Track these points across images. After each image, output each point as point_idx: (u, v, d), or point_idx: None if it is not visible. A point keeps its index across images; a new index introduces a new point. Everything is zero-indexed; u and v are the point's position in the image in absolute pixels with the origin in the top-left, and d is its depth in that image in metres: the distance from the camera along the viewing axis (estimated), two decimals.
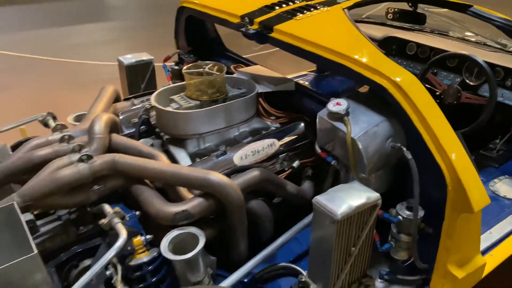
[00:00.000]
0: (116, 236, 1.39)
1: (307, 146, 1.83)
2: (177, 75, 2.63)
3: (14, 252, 1.14)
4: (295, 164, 1.76)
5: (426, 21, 2.51)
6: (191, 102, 1.78)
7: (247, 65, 2.19)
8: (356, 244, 1.30)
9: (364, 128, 1.39)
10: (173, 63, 2.67)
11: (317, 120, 1.52)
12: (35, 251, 1.11)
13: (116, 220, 1.32)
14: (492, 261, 1.64)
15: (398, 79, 1.35)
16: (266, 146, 1.71)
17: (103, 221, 1.32)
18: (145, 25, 6.79)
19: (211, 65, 1.84)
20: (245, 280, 1.49)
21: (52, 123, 1.88)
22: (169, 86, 1.90)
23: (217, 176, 1.41)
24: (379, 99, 1.48)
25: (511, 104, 2.36)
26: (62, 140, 1.58)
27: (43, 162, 1.52)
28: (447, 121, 1.35)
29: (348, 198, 1.24)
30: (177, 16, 2.42)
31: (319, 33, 1.65)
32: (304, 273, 1.47)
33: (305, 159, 1.82)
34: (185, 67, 1.84)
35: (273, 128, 1.89)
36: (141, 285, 1.37)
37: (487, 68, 2.10)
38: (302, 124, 1.85)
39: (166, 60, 2.62)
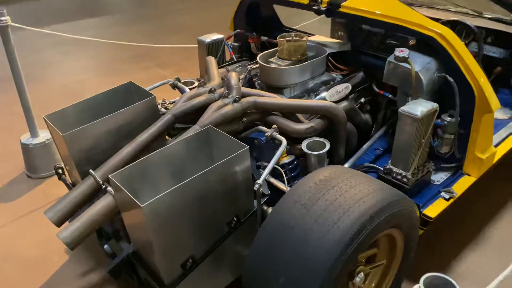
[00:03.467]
0: (262, 149, 2.12)
1: (366, 88, 2.59)
2: (236, 50, 3.31)
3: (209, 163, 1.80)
4: (362, 100, 2.52)
5: None
6: (285, 61, 2.49)
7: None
8: (424, 137, 2.07)
9: (421, 64, 2.16)
10: (232, 41, 3.34)
11: (386, 63, 2.26)
12: (247, 147, 1.80)
13: (275, 133, 2.02)
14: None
15: (441, 32, 2.12)
16: (344, 88, 2.45)
17: (268, 134, 2.02)
18: (142, 18, 7.32)
19: (294, 34, 2.55)
20: None
21: (180, 85, 2.54)
22: (264, 52, 2.59)
23: (329, 103, 2.14)
24: (422, 47, 2.25)
25: (492, 55, 3.20)
26: (210, 91, 2.25)
27: (202, 107, 2.19)
28: (473, 57, 2.13)
29: (421, 107, 2.01)
30: (241, 2, 3.08)
31: (375, 6, 2.39)
32: (382, 168, 2.24)
33: (365, 98, 2.58)
34: (278, 36, 2.53)
35: (338, 79, 2.63)
36: (283, 179, 2.08)
37: (475, 28, 2.90)
38: (361, 73, 2.60)
39: (228, 39, 3.28)
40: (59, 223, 1.96)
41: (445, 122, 2.18)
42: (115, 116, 2.14)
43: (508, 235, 2.61)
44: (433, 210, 2.10)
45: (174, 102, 2.71)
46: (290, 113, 2.20)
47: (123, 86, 2.39)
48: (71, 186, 2.34)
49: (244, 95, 2.26)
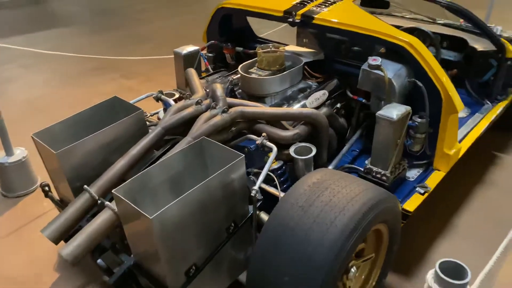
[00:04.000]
0: (251, 156, 2.22)
1: (340, 94, 2.76)
2: (211, 61, 3.40)
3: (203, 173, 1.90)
4: (338, 105, 2.68)
5: (389, 6, 3.51)
6: (265, 72, 2.60)
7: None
8: (400, 138, 2.25)
9: (393, 71, 2.35)
10: (207, 52, 3.42)
11: (360, 71, 2.43)
12: (242, 155, 1.89)
13: (265, 141, 2.13)
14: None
15: (409, 41, 2.32)
16: (322, 94, 2.60)
17: (258, 141, 2.12)
18: (102, 28, 7.24)
19: (271, 45, 2.67)
20: None
21: (164, 98, 2.60)
22: (244, 63, 2.70)
23: (312, 110, 2.28)
24: (392, 55, 2.44)
25: (448, 58, 3.47)
26: (197, 103, 2.33)
27: (190, 118, 2.27)
28: (437, 62, 2.34)
29: (396, 110, 2.19)
30: (214, 14, 3.17)
31: (346, 18, 2.56)
32: (362, 168, 2.40)
33: (341, 103, 2.75)
34: (258, 48, 2.64)
35: (314, 86, 2.78)
36: (274, 183, 2.19)
37: (432, 34, 3.15)
38: (336, 80, 2.77)
39: (202, 50, 3.36)
40: (56, 240, 1.97)
41: (416, 123, 2.38)
42: (105, 132, 2.18)
43: (475, 224, 2.85)
44: (411, 204, 2.28)
45: (155, 113, 2.77)
46: (275, 121, 2.32)
47: (108, 101, 2.42)
48: (58, 202, 2.34)
49: (230, 105, 2.36)
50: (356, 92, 2.67)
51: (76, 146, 2.08)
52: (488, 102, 3.30)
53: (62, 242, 2.02)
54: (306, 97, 2.62)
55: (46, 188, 2.36)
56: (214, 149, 2.02)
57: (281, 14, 2.75)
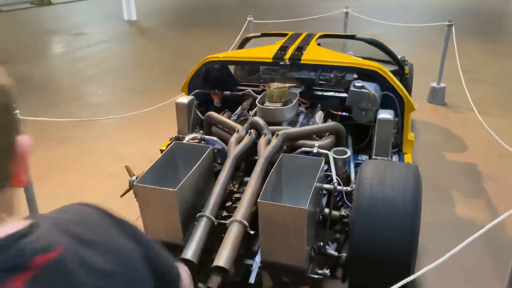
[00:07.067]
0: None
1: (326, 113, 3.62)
2: (197, 106, 3.91)
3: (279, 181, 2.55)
4: (329, 120, 3.52)
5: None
6: (278, 103, 3.30)
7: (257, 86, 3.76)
8: (393, 131, 3.20)
9: (373, 89, 3.30)
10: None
11: (349, 92, 3.32)
12: (323, 159, 2.55)
13: (319, 149, 2.82)
14: None
15: (379, 67, 3.32)
16: (321, 114, 3.42)
17: (315, 150, 2.80)
18: None
19: (277, 84, 3.39)
20: None
21: (207, 138, 3.07)
22: (257, 99, 3.34)
23: (336, 123, 3.07)
24: (363, 78, 3.42)
25: None
26: (249, 134, 2.90)
27: (249, 147, 2.84)
28: (396, 79, 3.39)
29: (388, 113, 3.13)
30: (200, 68, 3.72)
31: (323, 56, 3.45)
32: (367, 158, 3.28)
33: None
34: (268, 86, 3.32)
35: (304, 111, 3.57)
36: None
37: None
38: (319, 104, 3.62)
39: None
40: (198, 261, 2.30)
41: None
42: (197, 168, 2.58)
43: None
44: None
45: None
46: (309, 136, 3.03)
47: (170, 149, 2.80)
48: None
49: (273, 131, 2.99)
50: (336, 109, 3.56)
51: (183, 183, 2.44)
52: None
53: None
54: (307, 119, 3.40)
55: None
56: (294, 161, 2.63)
57: (271, 60, 3.50)
